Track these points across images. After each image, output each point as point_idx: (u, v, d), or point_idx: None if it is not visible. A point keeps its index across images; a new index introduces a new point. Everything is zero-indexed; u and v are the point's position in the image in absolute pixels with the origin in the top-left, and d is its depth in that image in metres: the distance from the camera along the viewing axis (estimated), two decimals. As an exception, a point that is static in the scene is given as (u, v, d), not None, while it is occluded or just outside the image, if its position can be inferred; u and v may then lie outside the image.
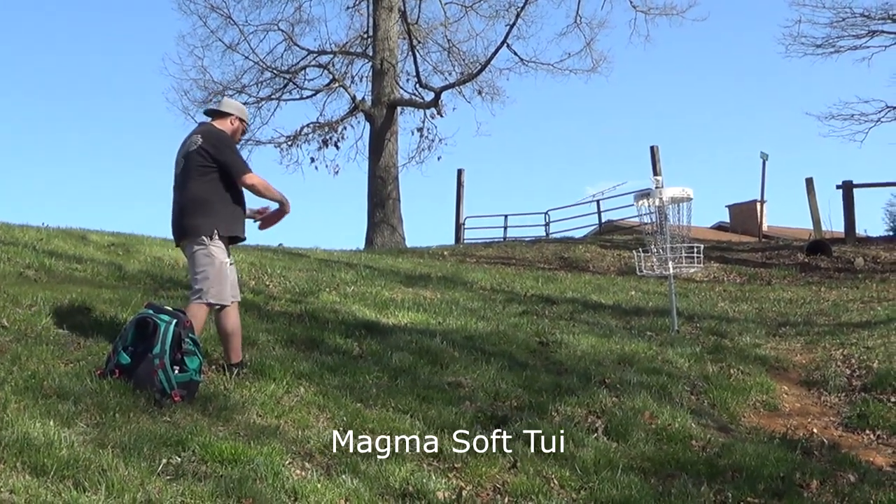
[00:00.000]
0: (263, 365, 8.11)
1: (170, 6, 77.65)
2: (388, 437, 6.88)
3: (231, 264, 7.96)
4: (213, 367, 7.91)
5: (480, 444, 7.00)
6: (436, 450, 6.79)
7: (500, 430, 7.37)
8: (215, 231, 7.76)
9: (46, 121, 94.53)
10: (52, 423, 5.96)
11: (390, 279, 15.29)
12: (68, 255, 12.88)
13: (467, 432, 7.22)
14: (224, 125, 8.14)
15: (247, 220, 8.27)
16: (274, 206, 8.22)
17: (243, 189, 8.02)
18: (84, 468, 5.40)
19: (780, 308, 14.92)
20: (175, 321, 7.11)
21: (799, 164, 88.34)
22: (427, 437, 7.01)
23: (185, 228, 7.84)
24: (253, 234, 8.17)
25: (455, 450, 6.81)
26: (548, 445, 7.19)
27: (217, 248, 7.77)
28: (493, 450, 6.93)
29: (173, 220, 7.96)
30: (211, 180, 7.82)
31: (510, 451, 6.96)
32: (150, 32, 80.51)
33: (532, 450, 7.10)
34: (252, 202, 8.29)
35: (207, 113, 8.41)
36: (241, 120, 8.29)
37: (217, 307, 7.79)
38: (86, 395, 6.59)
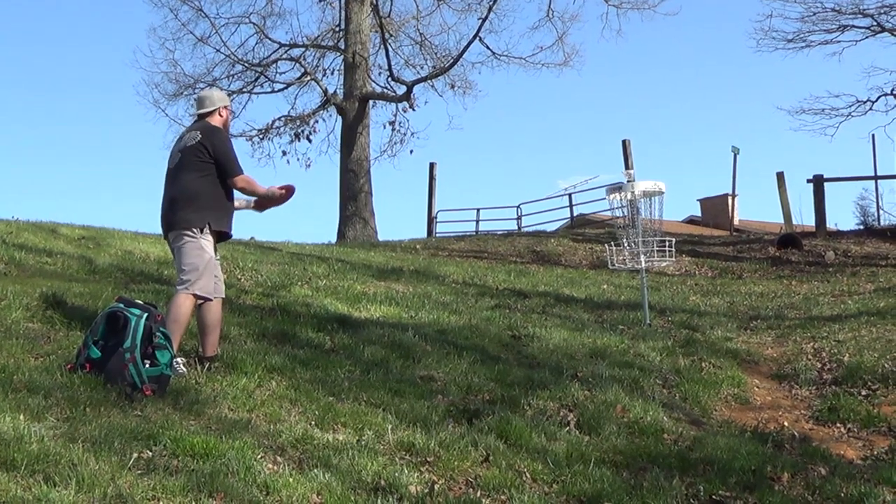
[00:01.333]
0: (235, 359, 8.08)
1: (141, -2, 77.08)
2: (359, 431, 6.90)
3: (217, 260, 7.98)
4: (186, 360, 7.88)
5: (452, 437, 7.01)
6: (408, 444, 6.78)
7: (472, 424, 7.40)
8: (207, 224, 7.79)
9: (15, 114, 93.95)
10: (22, 417, 5.93)
11: (362, 273, 15.28)
12: (38, 248, 12.81)
13: (439, 426, 7.24)
14: (216, 121, 8.20)
15: (240, 210, 8.43)
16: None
17: (233, 193, 8.15)
18: (54, 462, 5.36)
19: (752, 302, 15.00)
20: (146, 315, 7.08)
21: (770, 159, 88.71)
22: (399, 430, 7.01)
23: (176, 220, 7.86)
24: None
25: (427, 443, 6.80)
26: (520, 439, 7.21)
27: (207, 241, 7.81)
28: (466, 443, 6.93)
29: (163, 212, 8.00)
30: (206, 175, 7.88)
31: (482, 444, 6.96)
32: (121, 24, 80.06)
33: (504, 443, 7.11)
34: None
35: (198, 116, 8.34)
36: (226, 107, 8.34)
37: (201, 300, 7.78)
38: (56, 390, 6.55)
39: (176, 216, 7.85)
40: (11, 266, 11.26)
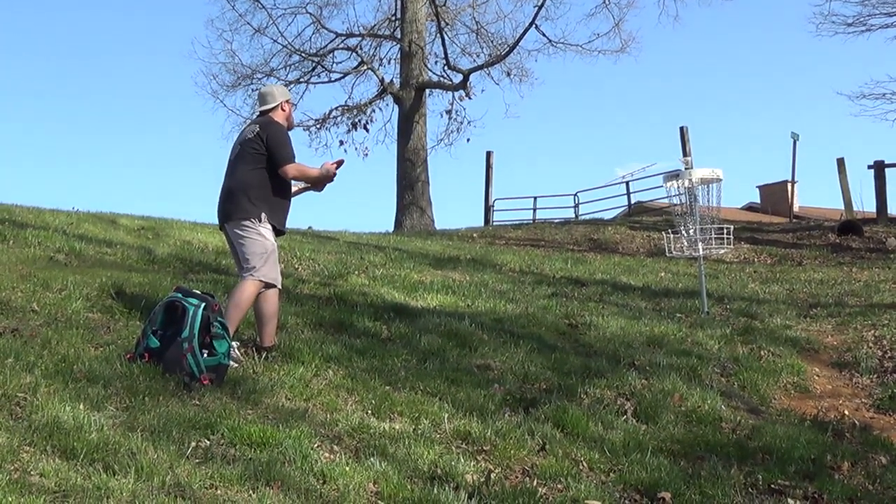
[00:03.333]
0: (292, 348, 8.13)
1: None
2: (416, 420, 6.92)
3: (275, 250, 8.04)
4: (243, 350, 7.93)
5: (509, 426, 7.01)
6: (464, 433, 6.78)
7: (528, 413, 7.39)
8: (263, 215, 7.84)
9: (75, 106, 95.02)
10: (81, 406, 5.99)
11: (419, 262, 15.29)
12: (98, 239, 12.93)
13: (496, 415, 7.24)
14: (279, 116, 8.26)
15: (299, 195, 8.48)
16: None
17: (289, 188, 8.21)
18: (114, 451, 5.42)
19: (811, 289, 14.84)
20: (203, 305, 7.13)
21: (830, 144, 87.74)
22: (455, 419, 7.01)
23: (232, 210, 7.93)
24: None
25: (484, 432, 6.80)
26: (576, 428, 7.19)
27: (266, 230, 7.86)
28: (522, 432, 6.93)
29: (220, 203, 8.08)
30: (261, 168, 7.95)
31: (539, 433, 6.96)
32: (180, 16, 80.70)
33: (561, 432, 7.10)
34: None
35: (260, 113, 8.38)
36: (288, 101, 8.40)
37: (263, 288, 7.83)
38: (115, 379, 6.62)
39: (232, 206, 7.92)
40: (72, 257, 11.37)
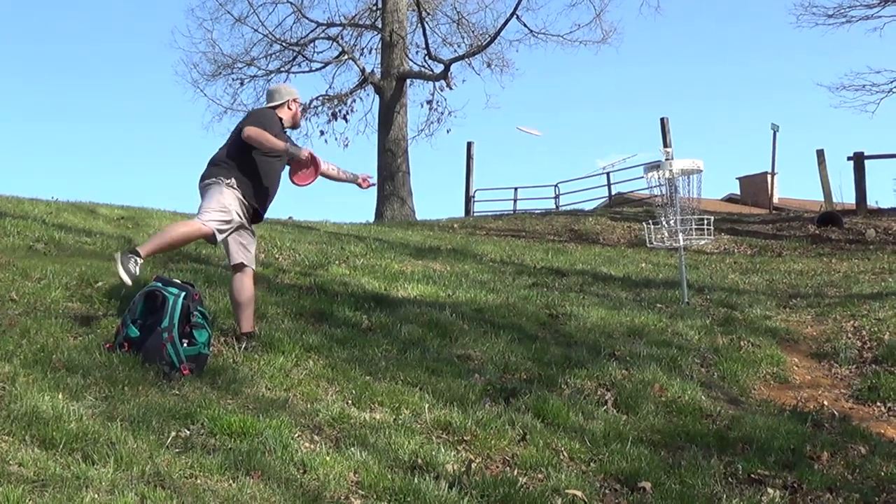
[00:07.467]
0: (272, 338, 8.10)
1: (179, -21, 77.29)
2: (396, 410, 6.92)
3: (248, 232, 8.08)
4: (223, 339, 7.91)
5: (489, 416, 7.01)
6: (445, 423, 6.78)
7: (509, 403, 7.40)
8: (233, 180, 7.84)
9: (56, 96, 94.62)
10: (60, 396, 5.97)
11: (400, 252, 15.27)
12: (78, 228, 12.86)
13: (476, 405, 7.24)
14: (284, 113, 8.30)
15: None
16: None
17: (272, 171, 8.14)
18: (93, 441, 5.40)
19: (791, 280, 14.89)
20: (183, 294, 7.11)
21: (810, 136, 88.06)
22: (436, 409, 7.01)
23: (205, 175, 7.95)
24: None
25: (464, 422, 6.80)
26: (557, 418, 7.20)
27: (230, 192, 7.82)
28: (503, 422, 6.93)
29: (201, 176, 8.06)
30: (246, 151, 7.91)
31: (519, 423, 6.96)
32: (160, 4, 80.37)
33: (541, 422, 7.11)
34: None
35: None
36: (295, 100, 8.41)
37: (211, 242, 7.89)
38: (95, 369, 6.60)
39: (206, 172, 7.97)
40: (51, 246, 11.31)
